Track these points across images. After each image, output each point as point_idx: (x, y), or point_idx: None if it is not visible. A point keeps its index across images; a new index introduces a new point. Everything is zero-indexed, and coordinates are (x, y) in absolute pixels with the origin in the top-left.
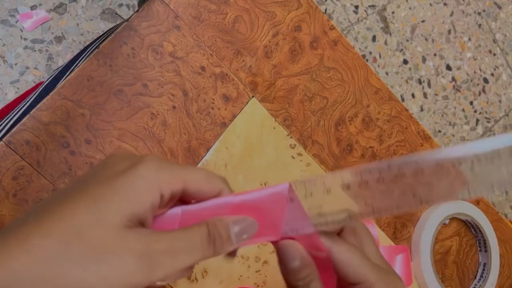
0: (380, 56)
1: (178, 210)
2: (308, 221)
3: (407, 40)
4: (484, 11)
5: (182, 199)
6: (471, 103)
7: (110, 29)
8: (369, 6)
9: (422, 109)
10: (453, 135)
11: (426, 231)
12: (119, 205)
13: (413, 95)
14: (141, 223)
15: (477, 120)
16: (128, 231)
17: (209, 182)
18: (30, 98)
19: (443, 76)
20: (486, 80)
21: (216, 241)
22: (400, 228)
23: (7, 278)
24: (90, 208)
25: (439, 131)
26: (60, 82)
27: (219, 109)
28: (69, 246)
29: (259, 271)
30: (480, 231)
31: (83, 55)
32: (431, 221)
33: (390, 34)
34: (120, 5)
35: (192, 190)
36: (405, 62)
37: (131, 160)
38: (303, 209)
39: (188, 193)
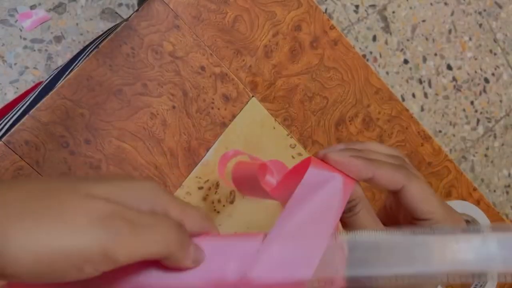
0: (380, 56)
1: None
2: None
3: (408, 40)
4: (484, 10)
5: None
6: (472, 103)
7: (110, 28)
8: (370, 5)
9: (422, 109)
10: (454, 135)
11: None
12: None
13: (413, 95)
14: None
15: (478, 120)
16: (89, 200)
17: (189, 217)
18: (30, 98)
19: (443, 76)
20: (487, 80)
21: (184, 243)
22: None
23: None
24: (65, 181)
25: (440, 131)
26: (59, 82)
27: (219, 109)
28: (28, 200)
29: None
30: None
31: (82, 55)
32: None
33: (391, 33)
34: (120, 4)
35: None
36: (406, 61)
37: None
38: None
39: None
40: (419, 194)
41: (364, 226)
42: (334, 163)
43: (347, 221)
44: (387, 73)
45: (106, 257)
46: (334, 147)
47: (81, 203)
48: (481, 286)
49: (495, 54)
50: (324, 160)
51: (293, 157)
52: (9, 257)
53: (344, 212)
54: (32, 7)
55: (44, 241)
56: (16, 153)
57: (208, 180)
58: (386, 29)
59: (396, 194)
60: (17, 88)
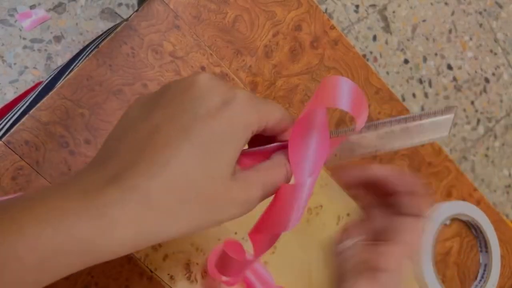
0: (380, 56)
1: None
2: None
3: (408, 40)
4: (485, 10)
5: None
6: (472, 102)
7: (110, 28)
8: (370, 5)
9: (423, 109)
10: (454, 135)
11: (427, 232)
12: (227, 156)
13: (414, 95)
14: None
15: (478, 120)
16: (233, 182)
17: (282, 122)
18: (29, 98)
19: (444, 76)
20: (487, 80)
21: (288, 174)
22: None
23: (126, 218)
24: (200, 161)
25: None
26: (59, 82)
27: None
28: (188, 202)
29: None
30: (481, 232)
31: (82, 55)
32: (432, 222)
33: (391, 33)
34: (120, 4)
35: (269, 130)
36: (406, 61)
37: (221, 94)
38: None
39: (264, 131)
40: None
41: None
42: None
43: None
44: (388, 73)
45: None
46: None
47: (225, 196)
48: (481, 287)
49: (495, 54)
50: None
51: None
52: None
53: None
54: (32, 7)
55: None
56: (16, 153)
57: None
58: (387, 29)
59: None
60: (17, 88)
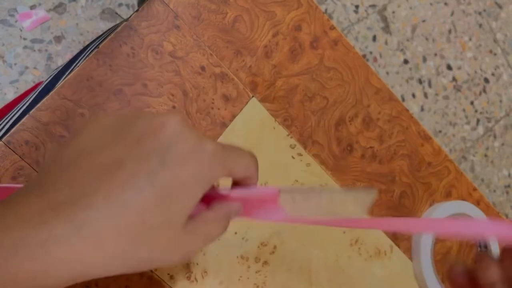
0: (380, 56)
1: None
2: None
3: (408, 40)
4: (484, 10)
5: None
6: (472, 103)
7: (110, 28)
8: (370, 5)
9: (422, 109)
10: (454, 135)
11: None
12: (184, 206)
13: (413, 95)
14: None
15: (478, 120)
16: (184, 234)
17: (247, 172)
18: (30, 98)
19: (443, 76)
20: (486, 80)
21: (231, 217)
22: None
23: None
24: (159, 208)
25: (440, 131)
26: (59, 82)
27: (219, 109)
28: (138, 245)
29: (259, 271)
30: None
31: (82, 55)
32: None
33: (391, 33)
34: (120, 4)
35: (233, 178)
36: (406, 62)
37: (190, 143)
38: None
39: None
40: None
41: None
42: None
43: None
44: (387, 73)
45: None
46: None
47: (176, 245)
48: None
49: (495, 54)
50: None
51: (293, 157)
52: None
53: None
54: (32, 7)
55: None
56: (16, 153)
57: None
58: (386, 29)
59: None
60: (17, 88)
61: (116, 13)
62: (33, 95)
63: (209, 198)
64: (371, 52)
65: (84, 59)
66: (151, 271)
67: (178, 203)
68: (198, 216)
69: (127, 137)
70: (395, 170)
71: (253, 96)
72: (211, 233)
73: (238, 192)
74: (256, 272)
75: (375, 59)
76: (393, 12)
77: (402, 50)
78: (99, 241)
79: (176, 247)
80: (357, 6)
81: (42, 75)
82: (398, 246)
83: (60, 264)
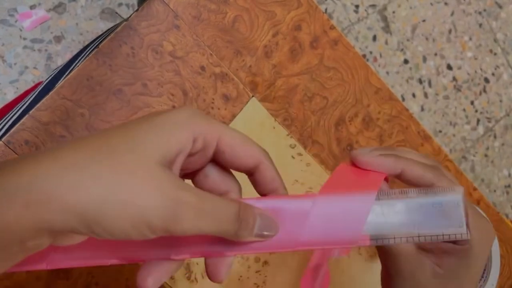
0: (380, 56)
1: None
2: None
3: (408, 40)
4: (485, 10)
5: (216, 160)
6: (472, 102)
7: (110, 28)
8: (370, 5)
9: (422, 109)
10: (454, 135)
11: None
12: (155, 139)
13: (413, 95)
14: (170, 165)
15: (478, 120)
16: (162, 169)
17: (245, 146)
18: (29, 98)
19: (443, 76)
20: (487, 80)
21: (242, 223)
22: None
23: (33, 179)
24: (127, 137)
25: (440, 131)
26: (59, 82)
27: (219, 109)
28: (98, 162)
29: (259, 271)
30: None
31: (82, 55)
32: None
33: (391, 33)
34: (120, 4)
35: (226, 150)
36: (406, 61)
37: (170, 108)
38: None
39: (222, 153)
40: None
41: (397, 250)
42: (364, 165)
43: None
44: (387, 73)
45: (165, 231)
46: (363, 149)
47: (150, 176)
48: (481, 286)
49: (495, 54)
50: (354, 162)
51: (293, 157)
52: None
53: None
54: (32, 7)
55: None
56: (16, 153)
57: None
58: (386, 29)
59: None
60: (17, 88)
61: (116, 13)
62: (33, 95)
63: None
64: (371, 52)
65: (84, 59)
66: None
67: (149, 141)
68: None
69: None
70: None
71: (253, 96)
72: (209, 205)
73: (267, 203)
74: (256, 272)
75: (375, 59)
76: (393, 12)
77: (402, 50)
78: (57, 157)
79: (149, 182)
80: (357, 6)
81: (42, 75)
82: None
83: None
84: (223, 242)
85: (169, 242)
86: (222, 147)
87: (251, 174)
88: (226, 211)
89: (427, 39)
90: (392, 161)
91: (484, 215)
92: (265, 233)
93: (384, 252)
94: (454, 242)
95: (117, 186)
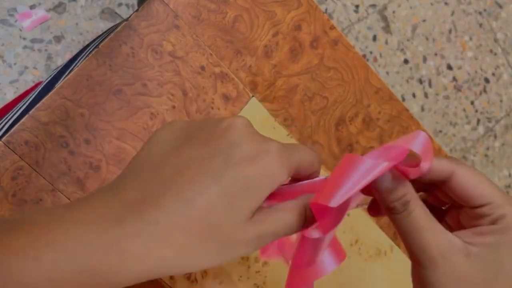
0: (380, 56)
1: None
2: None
3: (408, 40)
4: (485, 10)
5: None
6: (472, 103)
7: (110, 28)
8: (370, 5)
9: (423, 109)
10: (454, 135)
11: None
12: (251, 203)
13: (414, 95)
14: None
15: (478, 120)
16: (251, 225)
17: (311, 168)
18: (29, 98)
19: (444, 76)
20: (487, 80)
21: (307, 219)
22: None
23: (153, 265)
24: (225, 204)
25: (440, 131)
26: (59, 82)
27: (219, 109)
28: (206, 242)
29: (259, 271)
30: None
31: (82, 55)
32: None
33: (391, 33)
34: (120, 4)
35: (297, 173)
36: (406, 61)
37: (256, 144)
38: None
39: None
40: (472, 178)
41: (421, 227)
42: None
43: (401, 223)
44: (387, 73)
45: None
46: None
47: (240, 236)
48: None
49: (495, 54)
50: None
51: None
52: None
53: (395, 212)
54: (32, 6)
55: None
56: (15, 153)
57: None
58: (387, 29)
59: (442, 190)
60: (17, 88)
61: (116, 13)
62: (32, 95)
63: (278, 197)
64: (371, 52)
65: (84, 59)
66: None
67: (245, 200)
68: (268, 207)
69: (196, 139)
70: None
71: (253, 96)
72: (281, 219)
73: (303, 185)
74: (256, 272)
75: (375, 59)
76: (394, 12)
77: (402, 50)
78: (167, 238)
79: (244, 240)
80: (357, 6)
81: (41, 75)
82: (398, 246)
83: (132, 259)
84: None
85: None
86: (295, 175)
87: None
88: (293, 218)
89: (427, 39)
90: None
91: None
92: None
93: (409, 236)
94: (492, 222)
95: (219, 257)
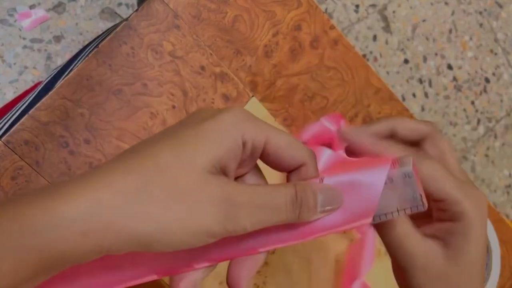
0: (380, 56)
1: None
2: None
3: (408, 40)
4: (485, 10)
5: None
6: (473, 102)
7: (109, 28)
8: (370, 5)
9: (423, 109)
10: (454, 135)
11: None
12: (204, 149)
13: (414, 95)
14: (223, 171)
15: (479, 120)
16: (211, 177)
17: (291, 149)
18: (29, 98)
19: (444, 76)
20: (487, 80)
21: (302, 205)
22: None
23: (90, 207)
24: (175, 149)
25: (440, 131)
26: (59, 82)
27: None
28: (150, 184)
29: (259, 271)
30: None
31: (82, 55)
32: None
33: (391, 33)
34: (119, 4)
35: (272, 152)
36: (406, 61)
37: (217, 110)
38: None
39: (268, 155)
40: (432, 173)
41: (404, 236)
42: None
43: (386, 233)
44: (388, 73)
45: (226, 233)
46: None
47: (200, 187)
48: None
49: (495, 54)
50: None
51: None
52: (151, 238)
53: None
54: (32, 6)
55: (172, 224)
56: (15, 153)
57: None
58: (387, 28)
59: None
60: (17, 88)
61: (116, 13)
62: (32, 94)
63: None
64: (371, 52)
65: (84, 58)
66: None
67: (194, 151)
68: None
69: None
70: None
71: (253, 96)
72: (264, 195)
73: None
74: (256, 272)
75: (375, 59)
76: (394, 12)
77: (402, 49)
78: (107, 182)
79: (203, 191)
80: (357, 6)
81: (41, 75)
82: None
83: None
84: (290, 228)
85: (238, 239)
86: (267, 150)
87: (290, 171)
88: (280, 198)
89: (427, 39)
90: (382, 123)
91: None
92: (328, 207)
93: (392, 246)
94: (451, 219)
95: (172, 204)
